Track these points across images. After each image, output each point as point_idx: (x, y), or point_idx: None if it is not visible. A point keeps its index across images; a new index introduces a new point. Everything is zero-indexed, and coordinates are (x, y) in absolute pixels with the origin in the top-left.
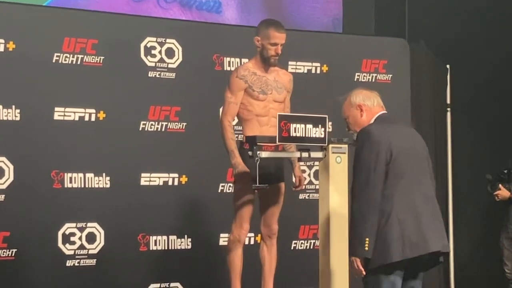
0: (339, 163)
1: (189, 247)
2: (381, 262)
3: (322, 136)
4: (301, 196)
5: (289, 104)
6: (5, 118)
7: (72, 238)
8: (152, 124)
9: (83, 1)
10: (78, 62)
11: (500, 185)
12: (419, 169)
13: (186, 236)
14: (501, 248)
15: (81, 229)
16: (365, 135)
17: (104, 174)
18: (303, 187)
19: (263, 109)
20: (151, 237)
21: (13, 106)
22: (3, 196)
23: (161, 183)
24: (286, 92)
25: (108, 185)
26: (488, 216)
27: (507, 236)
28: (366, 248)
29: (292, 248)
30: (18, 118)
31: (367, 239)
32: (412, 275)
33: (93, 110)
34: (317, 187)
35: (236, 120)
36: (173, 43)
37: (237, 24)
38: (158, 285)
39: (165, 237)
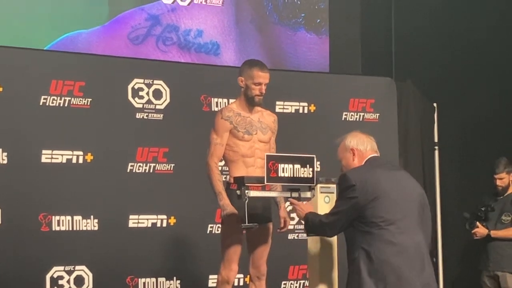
0: (327, 203)
1: None
2: None
3: (310, 176)
4: (290, 236)
5: (275, 145)
6: None
7: (60, 282)
8: (140, 166)
9: (83, 45)
10: (66, 105)
11: (477, 223)
12: (403, 209)
13: (175, 278)
14: (483, 287)
15: (69, 272)
16: (341, 180)
17: (92, 217)
18: (287, 228)
19: (249, 150)
20: (140, 279)
21: (0, 149)
22: None
23: (149, 225)
24: (271, 133)
25: (96, 228)
26: (477, 254)
27: (488, 275)
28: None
29: None
30: (5, 161)
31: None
32: None
33: (80, 152)
34: None
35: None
36: (160, 84)
37: (224, 65)
38: None
39: (154, 279)
